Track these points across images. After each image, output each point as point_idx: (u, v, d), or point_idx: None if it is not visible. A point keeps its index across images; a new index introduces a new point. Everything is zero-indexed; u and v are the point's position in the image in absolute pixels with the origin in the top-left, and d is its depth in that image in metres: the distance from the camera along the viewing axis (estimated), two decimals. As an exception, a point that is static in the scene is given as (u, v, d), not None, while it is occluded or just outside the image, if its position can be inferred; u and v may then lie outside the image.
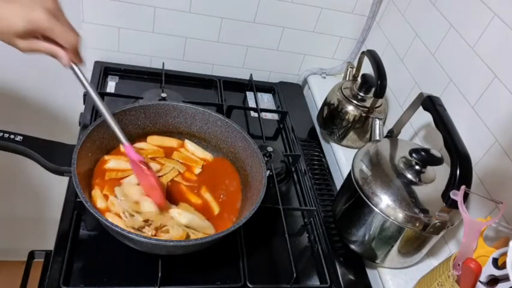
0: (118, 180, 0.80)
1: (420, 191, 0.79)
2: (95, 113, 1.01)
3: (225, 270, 0.79)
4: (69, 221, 0.78)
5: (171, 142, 0.91)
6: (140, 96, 1.08)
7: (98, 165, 0.81)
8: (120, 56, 1.19)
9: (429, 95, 0.82)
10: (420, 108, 0.83)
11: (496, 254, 0.66)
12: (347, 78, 1.16)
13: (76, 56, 0.67)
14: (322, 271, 0.84)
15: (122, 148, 0.81)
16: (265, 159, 0.99)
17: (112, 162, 0.82)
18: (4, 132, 0.74)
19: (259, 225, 0.85)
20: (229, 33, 1.21)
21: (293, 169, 1.04)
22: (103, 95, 1.06)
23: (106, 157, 0.83)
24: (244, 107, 1.21)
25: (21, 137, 0.74)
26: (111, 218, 0.71)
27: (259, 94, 1.25)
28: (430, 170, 0.81)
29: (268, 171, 0.94)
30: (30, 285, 0.92)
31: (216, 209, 0.81)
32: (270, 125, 1.17)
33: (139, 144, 0.88)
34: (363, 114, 1.05)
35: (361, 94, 1.06)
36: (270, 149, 1.01)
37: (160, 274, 0.72)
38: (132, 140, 0.87)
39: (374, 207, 0.78)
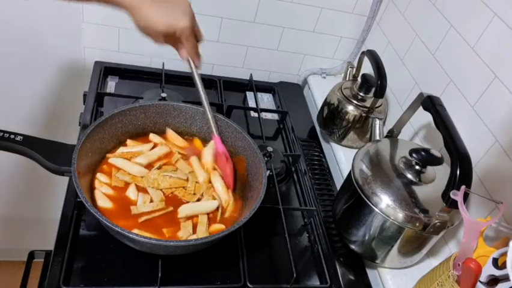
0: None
1: (420, 191, 0.79)
2: (95, 113, 1.01)
3: (225, 270, 0.79)
4: (69, 221, 0.78)
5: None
6: (140, 96, 1.08)
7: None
8: (120, 56, 1.19)
9: (429, 95, 0.82)
10: (420, 108, 0.83)
11: (496, 254, 0.66)
12: (347, 78, 1.16)
13: (197, 55, 0.78)
14: (322, 271, 0.83)
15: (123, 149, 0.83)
16: (265, 159, 0.99)
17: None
18: (4, 132, 0.74)
19: (259, 225, 0.85)
20: (229, 33, 1.21)
21: (293, 169, 1.04)
22: (103, 95, 1.06)
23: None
24: (244, 107, 1.21)
25: (21, 137, 0.74)
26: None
27: (259, 94, 1.25)
28: (430, 170, 0.81)
29: (268, 171, 0.94)
30: (30, 285, 0.92)
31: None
32: (270, 125, 1.17)
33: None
34: (363, 114, 1.05)
35: (361, 94, 1.06)
36: (270, 149, 1.01)
37: (160, 274, 0.72)
38: (132, 140, 0.87)
39: (374, 207, 0.78)
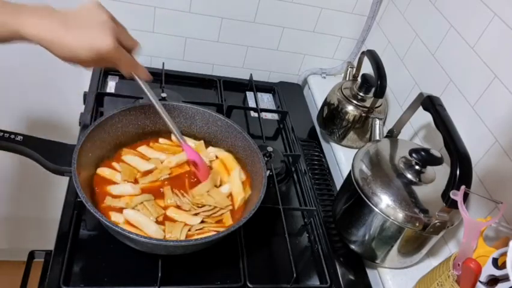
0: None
1: (420, 191, 0.79)
2: (95, 113, 1.00)
3: (225, 270, 0.79)
4: (69, 221, 0.78)
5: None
6: (140, 96, 1.07)
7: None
8: (120, 56, 1.19)
9: (429, 95, 0.82)
10: (420, 108, 0.83)
11: (496, 254, 0.66)
12: (347, 78, 1.16)
13: (137, 69, 0.70)
14: (322, 271, 0.83)
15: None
16: (265, 159, 0.99)
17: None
18: (4, 132, 0.74)
19: (259, 225, 0.85)
20: (229, 33, 1.21)
21: (293, 169, 1.04)
22: (103, 95, 1.06)
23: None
24: (244, 107, 1.21)
25: (21, 137, 0.74)
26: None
27: (259, 94, 1.25)
28: (430, 170, 0.81)
29: (268, 171, 0.94)
30: (30, 285, 0.92)
31: None
32: (270, 125, 1.17)
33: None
34: (363, 114, 1.05)
35: (361, 94, 1.06)
36: (270, 149, 1.01)
37: (160, 274, 0.72)
38: (132, 139, 0.87)
39: (374, 207, 0.78)
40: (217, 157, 0.90)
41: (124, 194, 0.78)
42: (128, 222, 0.74)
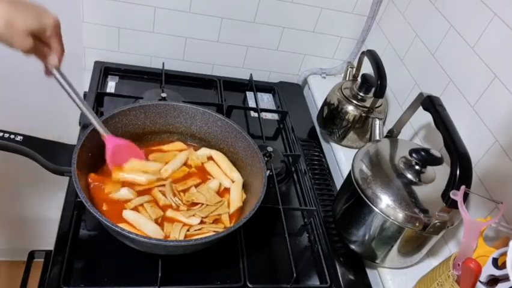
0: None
1: (420, 191, 0.79)
2: (95, 113, 1.00)
3: (225, 270, 0.79)
4: (69, 221, 0.78)
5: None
6: (140, 96, 1.08)
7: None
8: (120, 56, 1.19)
9: (429, 95, 0.82)
10: (420, 108, 0.83)
11: (496, 254, 0.66)
12: (347, 78, 1.16)
13: (61, 58, 0.69)
14: (322, 271, 0.83)
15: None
16: (265, 159, 0.99)
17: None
18: (4, 132, 0.74)
19: (259, 225, 0.85)
20: (229, 33, 1.21)
21: (293, 169, 1.04)
22: (103, 95, 1.06)
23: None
24: (244, 107, 1.21)
25: (21, 137, 0.74)
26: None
27: (259, 94, 1.25)
28: (430, 170, 0.81)
29: (268, 171, 0.94)
30: (30, 285, 0.92)
31: None
32: (270, 125, 1.17)
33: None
34: (363, 114, 1.05)
35: (361, 94, 1.06)
36: (270, 149, 1.01)
37: (160, 274, 0.72)
38: (132, 140, 0.87)
39: (374, 207, 0.78)
40: (211, 158, 0.90)
41: (121, 199, 0.77)
42: (127, 222, 0.74)
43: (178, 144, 0.91)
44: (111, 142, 0.77)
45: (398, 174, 0.81)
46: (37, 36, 0.63)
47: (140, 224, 0.74)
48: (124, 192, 0.78)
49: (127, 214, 0.75)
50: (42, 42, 0.65)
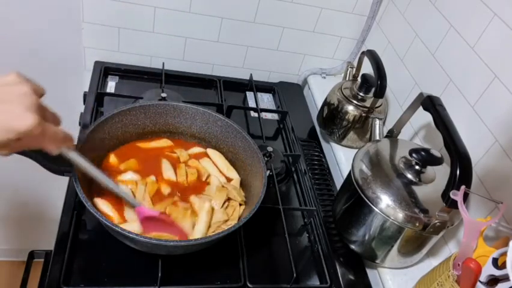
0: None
1: (420, 191, 0.79)
2: (95, 113, 1.01)
3: (225, 270, 0.79)
4: (69, 221, 0.78)
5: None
6: (140, 96, 1.08)
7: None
8: (120, 56, 1.19)
9: (429, 95, 0.82)
10: (420, 108, 0.83)
11: (496, 254, 0.66)
12: (347, 78, 1.16)
13: (66, 140, 0.60)
14: (322, 271, 0.83)
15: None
16: (265, 159, 0.99)
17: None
18: (4, 132, 0.73)
19: (259, 225, 0.85)
20: (229, 33, 1.21)
21: (293, 169, 1.04)
22: (103, 95, 1.06)
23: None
24: (244, 107, 1.21)
25: (21, 137, 0.74)
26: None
27: (259, 94, 1.25)
28: (430, 170, 0.81)
29: (268, 171, 0.94)
30: (30, 285, 0.92)
31: None
32: (270, 125, 1.17)
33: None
34: (363, 114, 1.05)
35: (361, 94, 1.06)
36: (270, 149, 1.01)
37: (160, 274, 0.72)
38: (132, 139, 0.88)
39: (374, 207, 0.78)
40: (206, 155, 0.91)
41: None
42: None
43: (164, 141, 0.90)
44: (141, 214, 0.72)
45: (398, 174, 0.81)
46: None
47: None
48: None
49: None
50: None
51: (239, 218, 0.80)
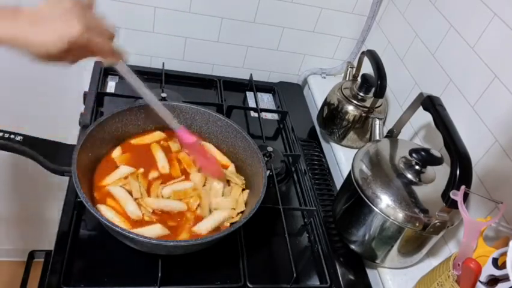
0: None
1: (420, 191, 0.79)
2: (95, 113, 1.01)
3: (225, 270, 0.79)
4: (69, 221, 0.78)
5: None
6: (140, 96, 1.07)
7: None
8: (120, 56, 1.19)
9: (429, 95, 0.82)
10: (420, 108, 0.83)
11: (496, 254, 0.66)
12: (347, 78, 1.16)
13: (115, 54, 0.67)
14: (322, 271, 0.83)
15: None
16: (265, 159, 0.99)
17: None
18: (4, 132, 0.74)
19: (259, 225, 0.85)
20: (229, 33, 1.21)
21: (293, 169, 1.04)
22: (103, 95, 1.06)
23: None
24: (244, 107, 1.21)
25: (21, 137, 0.74)
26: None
27: (259, 94, 1.25)
28: (430, 170, 0.81)
29: (268, 171, 0.94)
30: (30, 285, 0.92)
31: None
32: (270, 125, 1.17)
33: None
34: (363, 114, 1.05)
35: (361, 94, 1.06)
36: (270, 149, 1.01)
37: (160, 274, 0.72)
38: (132, 140, 0.87)
39: (374, 207, 0.78)
40: None
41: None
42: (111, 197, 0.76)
43: (158, 134, 0.90)
44: (181, 137, 0.80)
45: (398, 174, 0.81)
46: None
47: (121, 200, 0.75)
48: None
49: (113, 189, 0.77)
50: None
51: (246, 204, 0.81)
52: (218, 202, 0.80)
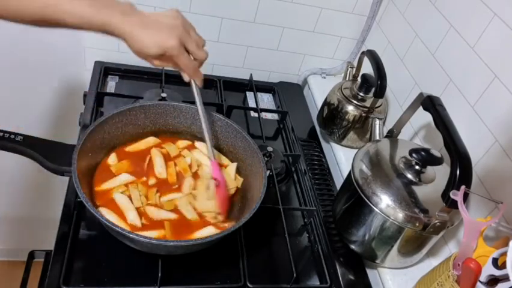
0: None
1: (420, 191, 0.79)
2: (95, 113, 1.01)
3: (225, 270, 0.79)
4: (69, 221, 0.78)
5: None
6: (140, 96, 1.07)
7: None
8: (120, 56, 1.19)
9: (429, 95, 0.82)
10: (420, 108, 0.83)
11: (496, 254, 0.66)
12: (347, 78, 1.16)
13: (195, 74, 0.77)
14: (322, 271, 0.83)
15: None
16: (265, 159, 0.99)
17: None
18: (4, 132, 0.74)
19: (259, 225, 0.85)
20: (229, 33, 1.21)
21: (293, 169, 1.04)
22: (103, 95, 1.06)
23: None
24: (244, 107, 1.21)
25: (21, 137, 0.74)
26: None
27: (259, 94, 1.25)
28: (430, 170, 0.81)
29: (268, 171, 0.94)
30: (30, 285, 0.92)
31: None
32: (270, 125, 1.17)
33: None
34: (363, 114, 1.05)
35: (361, 94, 1.06)
36: (270, 149, 1.01)
37: (160, 274, 0.72)
38: (132, 140, 0.87)
39: (374, 207, 0.78)
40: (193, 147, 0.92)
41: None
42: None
43: (152, 140, 0.89)
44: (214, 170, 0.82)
45: (398, 174, 0.81)
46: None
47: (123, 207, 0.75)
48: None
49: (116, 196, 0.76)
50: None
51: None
52: (203, 207, 0.80)
